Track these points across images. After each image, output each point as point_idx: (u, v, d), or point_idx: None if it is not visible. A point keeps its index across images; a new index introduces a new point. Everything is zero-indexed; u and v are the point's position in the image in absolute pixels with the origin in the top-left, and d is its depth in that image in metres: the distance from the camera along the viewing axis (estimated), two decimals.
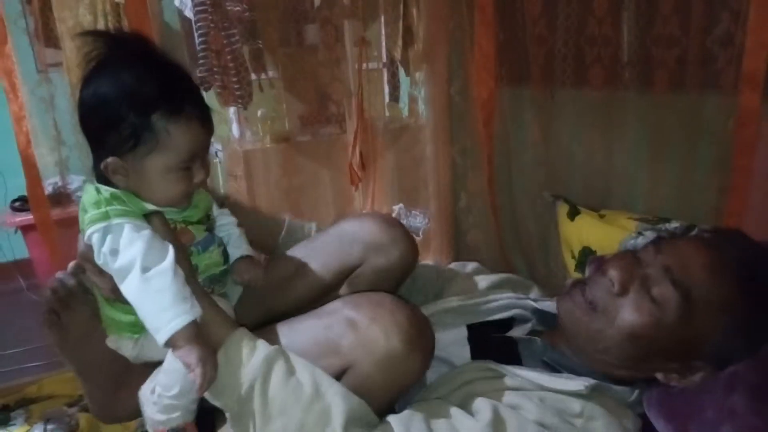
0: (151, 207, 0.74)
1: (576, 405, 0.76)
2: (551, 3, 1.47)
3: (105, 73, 0.71)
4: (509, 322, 0.98)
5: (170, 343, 0.70)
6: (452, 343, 0.93)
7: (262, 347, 0.74)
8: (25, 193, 1.57)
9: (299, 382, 0.71)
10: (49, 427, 1.24)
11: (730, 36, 1.13)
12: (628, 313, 0.78)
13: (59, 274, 0.89)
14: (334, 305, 0.79)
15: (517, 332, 0.94)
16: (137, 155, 0.71)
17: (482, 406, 0.75)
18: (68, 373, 1.39)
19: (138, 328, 0.78)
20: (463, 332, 0.95)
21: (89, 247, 0.72)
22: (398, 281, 1.01)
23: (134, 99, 0.70)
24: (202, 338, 0.71)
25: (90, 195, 0.73)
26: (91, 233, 0.71)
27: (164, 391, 0.75)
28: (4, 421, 1.29)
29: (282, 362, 0.73)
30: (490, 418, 0.72)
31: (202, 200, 0.83)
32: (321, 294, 0.97)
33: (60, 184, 1.82)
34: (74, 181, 2.02)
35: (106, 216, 0.70)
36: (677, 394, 0.80)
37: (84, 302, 0.87)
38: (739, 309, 0.75)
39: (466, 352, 0.92)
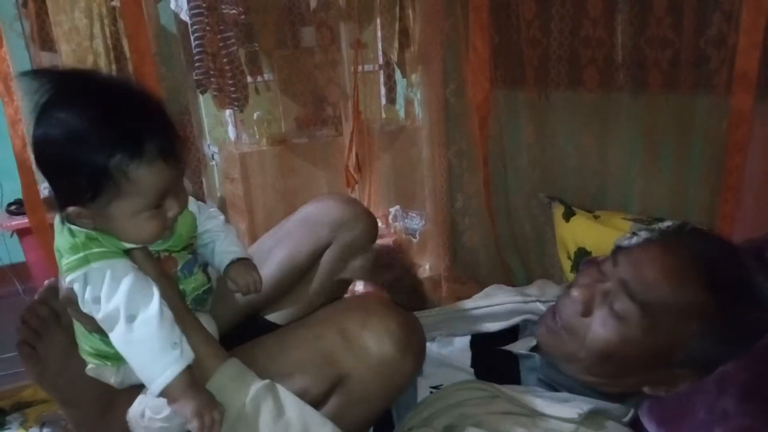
0: (128, 245, 0.69)
1: (567, 430, 0.75)
2: (545, 5, 1.47)
3: (54, 117, 0.63)
4: (515, 330, 0.98)
5: (164, 395, 0.67)
6: (455, 349, 0.93)
7: (252, 384, 0.72)
8: (21, 196, 1.56)
9: (288, 423, 0.69)
10: (45, 430, 1.24)
11: (723, 37, 1.14)
12: (596, 333, 0.79)
13: (30, 303, 0.85)
14: (323, 313, 0.78)
15: (520, 345, 0.93)
16: (99, 204, 0.64)
17: None
18: None
19: (119, 355, 0.74)
20: (467, 339, 0.95)
21: (72, 290, 0.69)
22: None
23: (88, 146, 0.62)
24: (198, 385, 0.69)
25: (64, 238, 0.68)
26: (72, 280, 0.66)
27: (154, 414, 0.72)
28: (0, 425, 1.29)
29: (271, 401, 0.70)
30: None
31: (185, 225, 0.77)
32: (297, 279, 1.00)
33: None
34: None
35: (85, 261, 0.66)
36: (670, 396, 0.80)
37: (58, 330, 0.84)
38: (711, 310, 0.74)
39: (467, 359, 0.92)
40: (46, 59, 1.61)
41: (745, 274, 0.77)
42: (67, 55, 1.61)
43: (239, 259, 0.82)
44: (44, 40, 1.61)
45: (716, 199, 1.20)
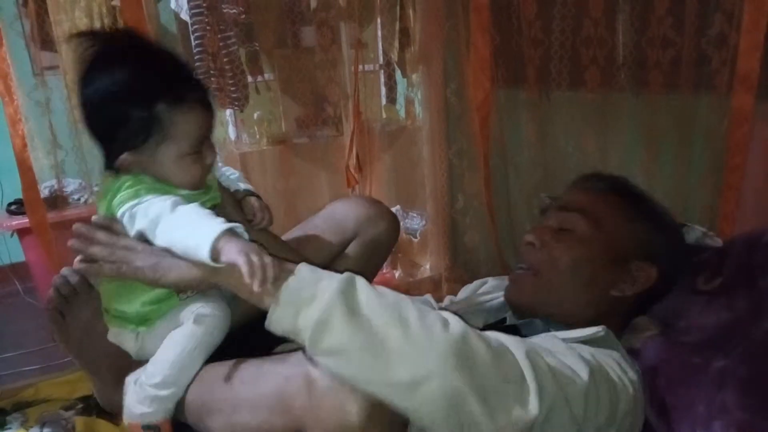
0: (183, 192, 0.76)
1: (585, 351, 0.77)
2: (547, 5, 1.47)
3: (103, 72, 0.72)
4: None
5: (214, 256, 0.67)
6: None
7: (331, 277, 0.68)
8: (21, 196, 1.56)
9: (391, 292, 0.67)
10: (46, 430, 1.24)
11: (724, 37, 1.14)
12: (557, 251, 0.90)
13: (64, 271, 0.91)
14: (303, 355, 0.70)
15: (518, 321, 0.96)
16: (149, 148, 0.73)
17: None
18: (65, 376, 1.39)
19: (143, 319, 0.80)
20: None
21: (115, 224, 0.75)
22: (386, 252, 1.12)
23: (137, 94, 0.71)
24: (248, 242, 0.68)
25: (119, 180, 0.74)
26: (123, 211, 0.73)
27: (147, 380, 0.76)
28: (1, 425, 1.29)
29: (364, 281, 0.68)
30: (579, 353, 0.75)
31: (212, 180, 0.85)
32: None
33: (56, 187, 1.81)
34: (70, 184, 2.01)
35: (136, 194, 0.73)
36: (669, 388, 0.81)
37: (87, 299, 0.89)
38: (629, 204, 0.92)
39: None
40: (46, 59, 1.61)
41: (639, 189, 0.98)
42: (67, 55, 1.61)
43: (254, 194, 0.91)
44: (44, 39, 1.60)
45: (717, 199, 1.20)
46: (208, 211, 0.73)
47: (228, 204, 0.87)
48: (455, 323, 0.66)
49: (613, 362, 0.77)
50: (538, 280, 0.91)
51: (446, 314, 0.67)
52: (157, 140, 0.73)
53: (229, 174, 0.92)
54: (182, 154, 0.75)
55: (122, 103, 0.71)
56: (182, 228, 0.71)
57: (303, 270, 0.68)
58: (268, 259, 0.66)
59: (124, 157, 0.73)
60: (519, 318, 0.94)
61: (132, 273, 0.74)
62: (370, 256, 1.06)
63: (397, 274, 2.11)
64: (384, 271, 2.06)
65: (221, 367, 0.78)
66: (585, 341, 0.81)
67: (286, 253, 0.91)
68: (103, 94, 0.72)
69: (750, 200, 1.17)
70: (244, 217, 0.87)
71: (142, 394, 0.76)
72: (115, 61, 0.72)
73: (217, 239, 0.67)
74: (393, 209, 2.15)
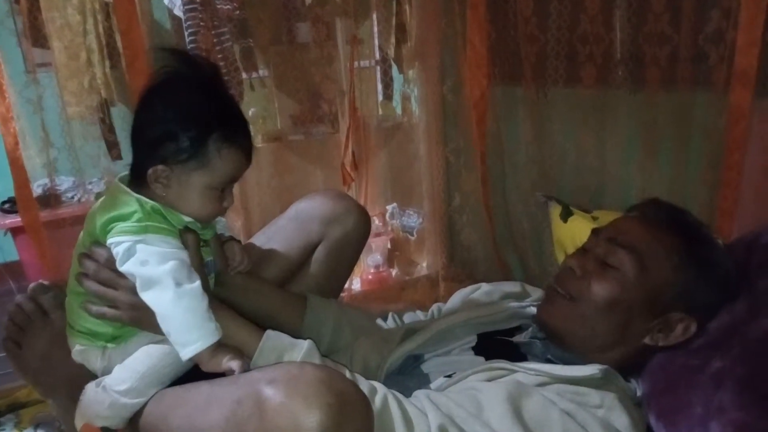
0: (187, 219, 0.77)
1: (595, 397, 0.77)
2: (543, 1, 1.47)
3: (179, 86, 0.75)
4: (513, 331, 0.98)
5: (195, 359, 0.73)
6: (459, 352, 0.94)
7: (302, 341, 0.78)
8: (13, 194, 1.55)
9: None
10: (39, 431, 1.23)
11: (722, 34, 1.14)
12: (597, 287, 0.86)
13: (18, 298, 0.89)
14: (253, 375, 0.71)
15: (519, 338, 0.95)
16: (186, 168, 0.75)
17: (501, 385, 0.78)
18: None
19: (114, 338, 0.79)
20: (472, 341, 0.96)
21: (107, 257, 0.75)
22: (357, 249, 1.08)
23: (200, 117, 0.74)
24: (222, 349, 0.75)
25: (130, 205, 0.74)
26: (121, 241, 0.72)
27: (113, 384, 0.76)
28: None
29: (318, 356, 0.77)
30: (511, 390, 0.74)
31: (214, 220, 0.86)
32: (289, 276, 1.03)
33: (49, 185, 1.80)
34: (63, 182, 2.00)
35: (144, 230, 0.73)
36: (668, 390, 0.81)
37: (42, 327, 0.87)
38: (682, 248, 0.85)
39: (471, 354, 0.92)
40: (38, 56, 1.59)
41: (699, 225, 0.91)
42: (59, 51, 1.59)
43: (235, 239, 0.91)
44: (36, 36, 1.59)
45: (715, 196, 1.20)
46: (206, 304, 0.74)
47: (214, 245, 0.87)
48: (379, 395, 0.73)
49: (589, 417, 0.74)
50: (573, 308, 0.88)
51: (375, 384, 0.75)
52: (196, 164, 0.75)
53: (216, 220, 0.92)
54: (210, 187, 0.77)
55: (186, 118, 0.74)
56: (176, 318, 0.72)
57: None
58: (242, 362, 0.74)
59: (161, 168, 0.74)
60: (544, 334, 0.92)
61: (114, 318, 0.78)
62: (340, 256, 1.04)
63: (393, 272, 2.10)
64: (381, 269, 2.06)
65: (175, 392, 0.77)
66: (577, 382, 0.79)
67: (259, 298, 0.95)
68: (172, 104, 0.74)
69: (748, 197, 1.17)
70: (225, 261, 0.89)
71: (104, 397, 0.76)
72: (194, 82, 0.76)
73: (204, 351, 0.72)
74: (389, 207, 2.16)
